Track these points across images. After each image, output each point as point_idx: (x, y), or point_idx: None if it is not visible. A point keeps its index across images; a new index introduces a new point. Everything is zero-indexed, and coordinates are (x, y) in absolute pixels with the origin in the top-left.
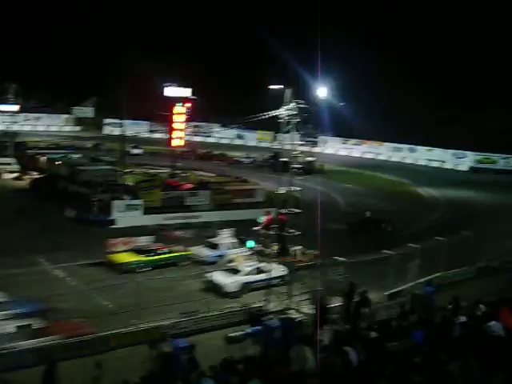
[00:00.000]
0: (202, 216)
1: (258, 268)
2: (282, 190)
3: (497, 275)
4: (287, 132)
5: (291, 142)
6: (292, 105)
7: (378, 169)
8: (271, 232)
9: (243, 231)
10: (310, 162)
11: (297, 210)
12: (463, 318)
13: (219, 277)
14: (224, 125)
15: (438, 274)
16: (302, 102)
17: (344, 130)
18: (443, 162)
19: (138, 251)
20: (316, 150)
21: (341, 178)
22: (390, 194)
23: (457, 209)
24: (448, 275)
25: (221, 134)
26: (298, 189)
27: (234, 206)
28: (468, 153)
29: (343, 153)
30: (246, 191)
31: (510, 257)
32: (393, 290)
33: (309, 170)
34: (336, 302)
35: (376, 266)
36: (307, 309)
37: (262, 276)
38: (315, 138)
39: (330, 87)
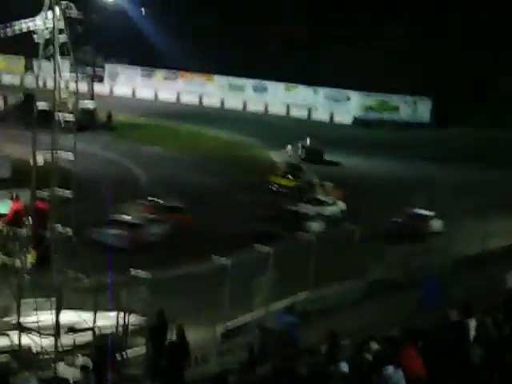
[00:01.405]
0: None
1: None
2: (41, 159)
3: (400, 294)
4: (48, 58)
5: (55, 76)
6: (54, 12)
7: (204, 121)
8: (21, 230)
9: None
10: (90, 110)
11: (67, 193)
12: (344, 366)
13: (306, 209)
14: None
15: (303, 295)
16: (72, 6)
17: (147, 56)
18: (312, 109)
19: None
20: (99, 89)
21: (143, 136)
22: (225, 162)
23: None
24: (321, 296)
25: None
26: (69, 156)
27: None
28: (352, 93)
29: (146, 94)
30: None
31: (424, 263)
32: (230, 324)
33: (87, 123)
34: (137, 348)
35: (203, 282)
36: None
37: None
38: (98, 68)
39: None
